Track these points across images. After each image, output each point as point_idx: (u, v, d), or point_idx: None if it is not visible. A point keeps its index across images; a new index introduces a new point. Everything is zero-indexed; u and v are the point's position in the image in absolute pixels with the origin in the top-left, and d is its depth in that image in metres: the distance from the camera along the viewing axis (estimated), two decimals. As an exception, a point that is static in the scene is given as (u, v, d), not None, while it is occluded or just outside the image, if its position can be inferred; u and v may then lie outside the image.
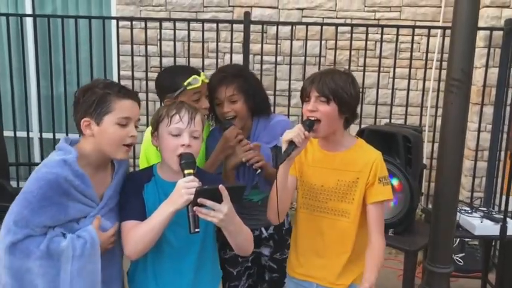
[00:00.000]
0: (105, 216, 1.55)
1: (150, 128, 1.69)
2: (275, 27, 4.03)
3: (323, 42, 4.06)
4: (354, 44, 3.96)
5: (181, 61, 4.18)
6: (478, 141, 3.92)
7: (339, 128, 1.65)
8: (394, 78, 4.02)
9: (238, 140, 1.92)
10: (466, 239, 3.77)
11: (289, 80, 3.90)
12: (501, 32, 3.79)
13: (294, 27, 3.95)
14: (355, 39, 3.97)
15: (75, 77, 3.97)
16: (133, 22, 3.98)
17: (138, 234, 1.50)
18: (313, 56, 4.21)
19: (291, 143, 1.56)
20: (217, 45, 3.91)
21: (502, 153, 3.95)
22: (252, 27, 3.84)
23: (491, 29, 3.79)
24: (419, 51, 4.33)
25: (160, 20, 4.00)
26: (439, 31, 4.08)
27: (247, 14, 3.76)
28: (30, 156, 4.27)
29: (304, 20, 4.36)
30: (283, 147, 1.58)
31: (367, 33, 3.82)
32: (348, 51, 3.90)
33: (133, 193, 1.59)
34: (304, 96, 1.64)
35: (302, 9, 4.43)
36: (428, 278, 1.79)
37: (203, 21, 4.00)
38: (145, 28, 3.88)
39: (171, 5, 4.49)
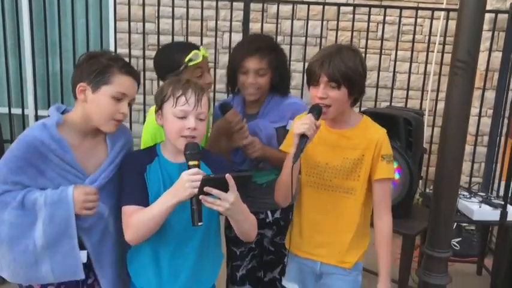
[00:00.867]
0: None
1: (154, 107, 1.64)
2: (276, 6, 3.96)
3: (324, 22, 3.99)
4: (356, 25, 3.89)
5: (179, 40, 4.10)
6: (478, 126, 3.89)
7: (346, 108, 1.62)
8: (395, 61, 3.96)
9: (239, 128, 1.87)
10: (463, 224, 3.78)
11: (289, 60, 3.84)
12: (506, 15, 3.73)
13: (295, 6, 3.88)
14: (357, 20, 3.90)
15: (71, 55, 3.90)
16: (131, -1, 3.89)
17: (139, 221, 1.47)
18: (314, 36, 4.16)
19: (303, 137, 1.52)
20: (216, 23, 3.84)
21: (502, 138, 3.93)
22: (252, 5, 3.76)
23: (496, 11, 3.72)
24: (421, 34, 4.27)
25: (158, -3, 3.92)
26: (443, 13, 4.01)
27: (247, -8, 3.69)
28: (25, 133, 4.23)
29: (306, -1, 4.30)
30: (295, 140, 1.54)
31: (369, 14, 3.76)
32: (350, 32, 3.84)
33: (135, 175, 1.54)
34: (313, 80, 1.59)
35: (304, -12, 4.36)
36: (427, 262, 1.79)
37: (202, -2, 3.92)
38: (143, 5, 3.79)
39: (170, -18, 4.41)
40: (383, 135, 1.64)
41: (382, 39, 3.87)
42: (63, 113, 1.57)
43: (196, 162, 1.44)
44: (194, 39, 3.96)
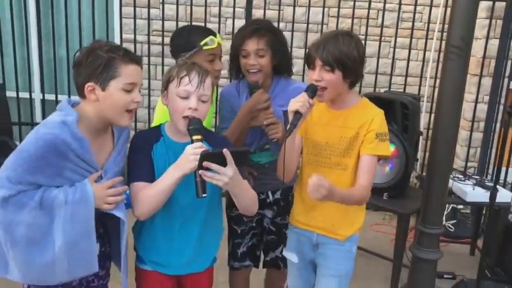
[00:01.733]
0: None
1: None
2: (278, -7, 4.02)
3: (326, 9, 4.05)
4: (357, 13, 3.96)
5: (183, 25, 4.17)
6: (474, 112, 3.98)
7: (343, 90, 1.71)
8: (395, 47, 4.04)
9: (265, 107, 1.94)
10: (458, 207, 3.89)
11: (291, 47, 3.92)
12: (503, 3, 3.78)
13: (297, -7, 3.93)
14: (358, 7, 3.96)
15: (77, 39, 3.98)
16: (136, -16, 3.95)
17: (148, 196, 1.53)
18: (316, 23, 4.21)
19: (297, 113, 1.61)
20: (219, 9, 3.91)
21: (498, 124, 4.02)
22: (255, -8, 3.83)
23: (494, 0, 3.78)
24: (421, 21, 4.33)
25: (163, -17, 3.98)
26: (442, 1, 4.08)
27: (250, -21, 3.75)
28: (32, 116, 4.32)
29: (308, -14, 4.35)
30: (290, 117, 1.62)
31: (369, 2, 3.82)
32: (350, 19, 3.91)
33: (142, 153, 1.60)
34: (309, 64, 1.69)
35: (306, -25, 4.41)
36: (420, 238, 1.88)
37: (206, -16, 3.98)
38: (148, -10, 3.86)
39: (174, -32, 4.46)
40: (379, 114, 1.73)
41: (382, 26, 3.94)
42: (72, 106, 1.52)
43: (199, 137, 1.51)
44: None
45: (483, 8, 3.89)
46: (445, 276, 3.08)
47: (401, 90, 4.04)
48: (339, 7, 3.82)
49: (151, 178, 1.57)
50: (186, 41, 1.95)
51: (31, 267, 1.46)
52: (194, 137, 1.51)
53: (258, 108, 1.94)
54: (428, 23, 3.96)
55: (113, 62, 1.44)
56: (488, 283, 2.84)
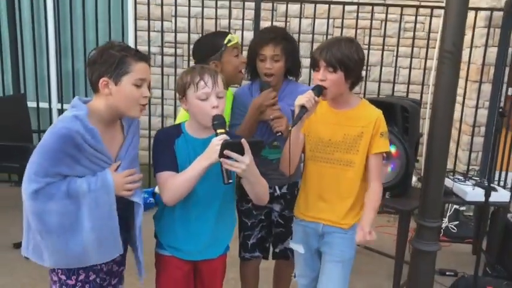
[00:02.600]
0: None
1: None
2: (285, 6, 4.21)
3: (330, 20, 4.23)
4: (360, 23, 4.13)
5: (194, 37, 4.36)
6: (475, 117, 4.11)
7: (345, 90, 1.88)
8: (397, 56, 4.19)
9: (273, 103, 2.14)
10: (461, 209, 4.00)
11: (297, 56, 4.08)
12: (501, 13, 3.95)
13: (302, 5, 4.11)
14: (361, 18, 4.14)
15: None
16: (150, -1, 4.15)
17: (176, 184, 1.69)
18: (321, 34, 4.38)
19: (303, 108, 1.78)
20: (229, 22, 4.09)
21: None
22: (263, 5, 4.02)
23: (492, 9, 3.94)
24: (423, 31, 4.48)
25: (175, -3, 4.16)
26: (443, 11, 4.22)
27: (258, -7, 3.93)
28: (51, 124, 4.47)
29: (313, -2, 4.54)
30: (296, 111, 1.80)
31: (372, 13, 3.99)
32: (354, 29, 4.08)
33: (166, 147, 1.77)
34: (314, 66, 1.87)
35: (311, -12, 4.59)
36: (419, 231, 1.99)
37: (216, -2, 4.17)
38: (162, 5, 4.06)
39: (185, -17, 4.67)
40: (380, 115, 1.91)
41: (384, 36, 4.11)
42: (84, 103, 1.65)
43: (223, 130, 1.69)
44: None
45: (482, 17, 4.04)
46: (447, 273, 3.20)
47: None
48: (343, 18, 3.98)
49: (175, 168, 1.74)
50: (212, 44, 2.17)
51: (65, 252, 1.59)
52: (219, 131, 1.68)
53: (266, 104, 2.13)
54: (429, 32, 4.12)
55: (126, 59, 1.59)
56: (488, 279, 2.95)
